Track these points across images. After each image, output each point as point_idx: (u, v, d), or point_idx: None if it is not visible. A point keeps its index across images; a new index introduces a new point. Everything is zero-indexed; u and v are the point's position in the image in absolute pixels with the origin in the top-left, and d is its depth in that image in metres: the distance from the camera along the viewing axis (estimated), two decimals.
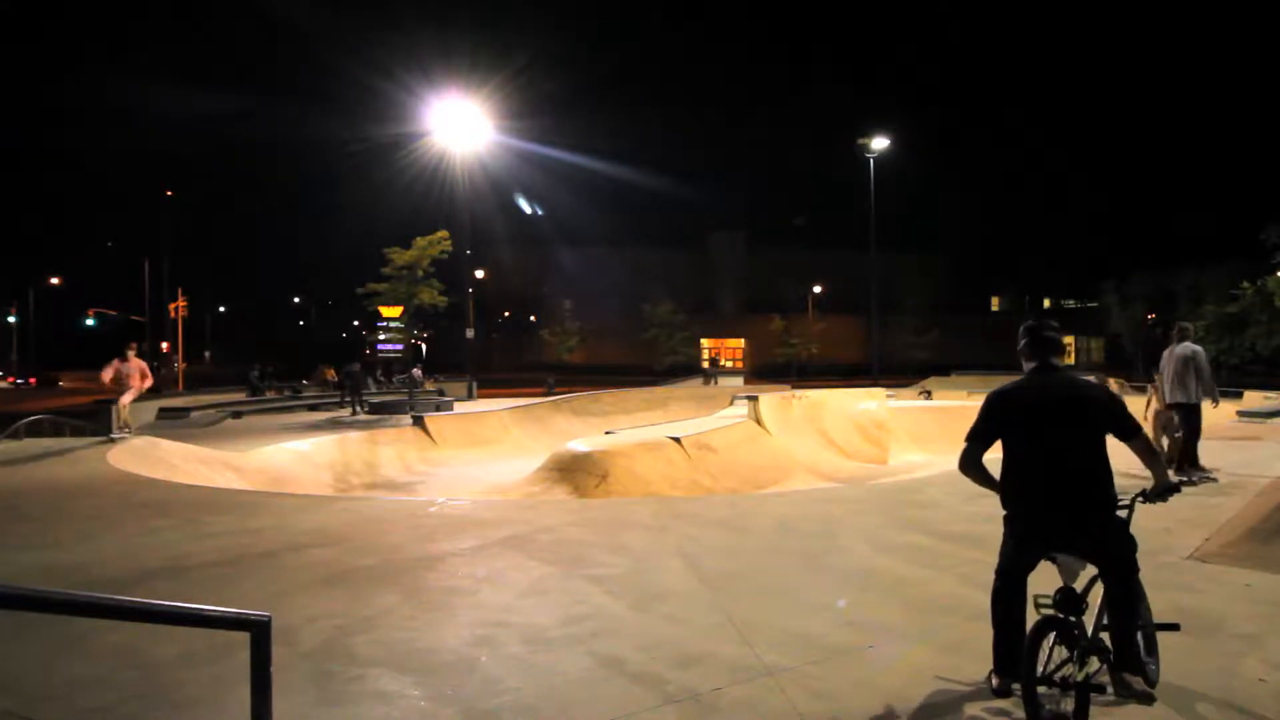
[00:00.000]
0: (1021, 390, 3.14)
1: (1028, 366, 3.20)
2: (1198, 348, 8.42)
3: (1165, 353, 8.63)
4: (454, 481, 13.79)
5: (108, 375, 12.87)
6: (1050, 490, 2.97)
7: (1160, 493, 3.11)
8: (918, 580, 5.03)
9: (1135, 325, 48.00)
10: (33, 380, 60.24)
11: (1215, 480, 8.10)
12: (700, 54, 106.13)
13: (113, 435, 12.69)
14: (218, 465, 11.97)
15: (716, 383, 35.89)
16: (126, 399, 12.90)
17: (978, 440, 3.13)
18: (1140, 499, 3.15)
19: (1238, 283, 30.95)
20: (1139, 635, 3.03)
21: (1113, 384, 10.19)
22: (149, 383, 13.54)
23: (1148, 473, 3.18)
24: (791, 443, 16.09)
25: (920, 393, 28.31)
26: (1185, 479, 8.00)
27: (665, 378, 42.32)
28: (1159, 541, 5.72)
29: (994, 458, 3.15)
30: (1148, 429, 8.94)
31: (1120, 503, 3.09)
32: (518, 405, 21.39)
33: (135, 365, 13.13)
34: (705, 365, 56.50)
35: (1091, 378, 10.14)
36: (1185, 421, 8.32)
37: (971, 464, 3.13)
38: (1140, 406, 10.24)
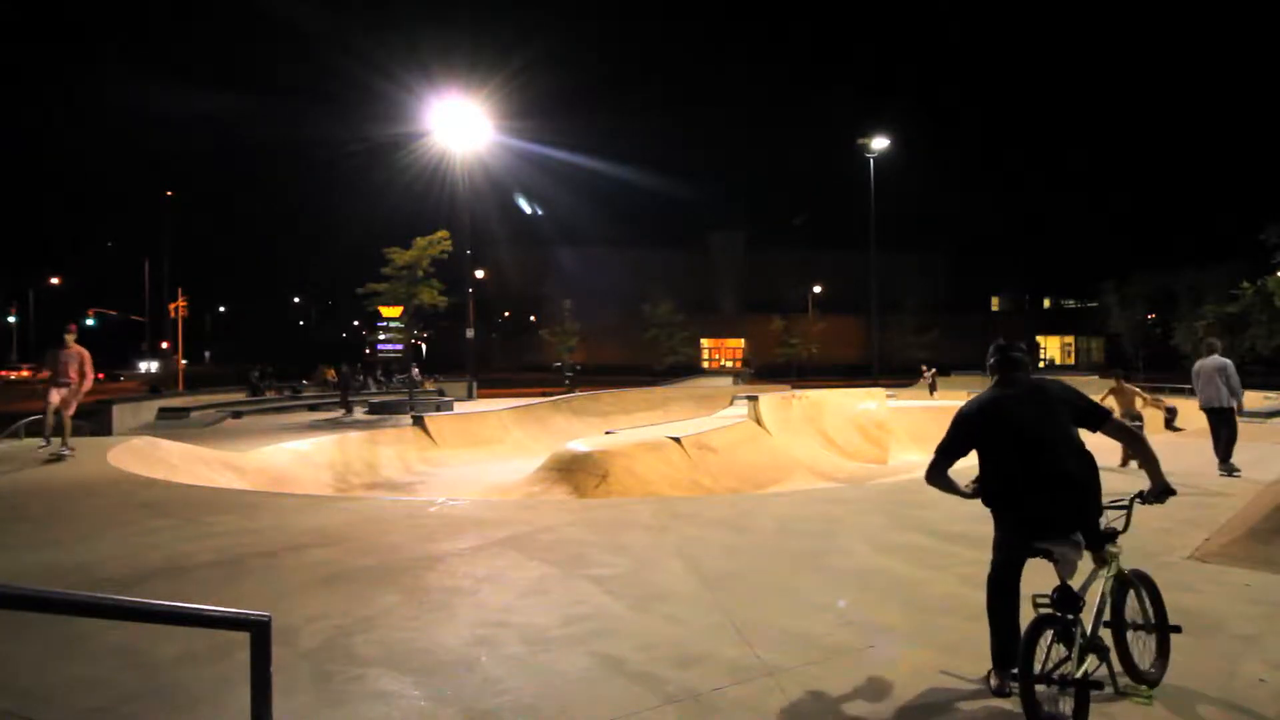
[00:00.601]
0: (995, 400, 3.24)
1: (995, 379, 3.36)
2: (1227, 360, 9.45)
3: (1197, 365, 9.61)
4: (454, 481, 13.79)
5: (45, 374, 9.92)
6: (1041, 486, 3.01)
7: (1158, 494, 3.14)
8: (918, 580, 5.04)
9: (1135, 325, 47.94)
10: (99, 375, 59.82)
11: (1239, 476, 8.90)
12: (700, 54, 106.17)
13: (62, 451, 10.09)
14: (218, 465, 11.97)
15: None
16: (70, 410, 10.07)
17: (950, 455, 3.26)
18: (1138, 500, 3.17)
19: (1238, 283, 30.91)
20: (1151, 637, 3.34)
21: (1141, 398, 10.77)
22: (89, 383, 10.27)
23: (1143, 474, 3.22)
24: (791, 443, 16.10)
25: (927, 371, 28.34)
26: (1226, 472, 9.05)
27: (665, 378, 42.29)
28: (1159, 541, 5.72)
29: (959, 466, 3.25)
30: None
31: (1119, 503, 3.12)
32: (518, 405, 21.40)
33: (75, 354, 9.89)
34: (739, 366, 56.99)
35: (1165, 401, 10.74)
36: (1224, 424, 9.31)
37: (939, 476, 3.27)
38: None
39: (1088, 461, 3.04)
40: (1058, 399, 3.16)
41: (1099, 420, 3.17)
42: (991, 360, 3.38)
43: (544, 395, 26.75)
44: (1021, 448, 3.06)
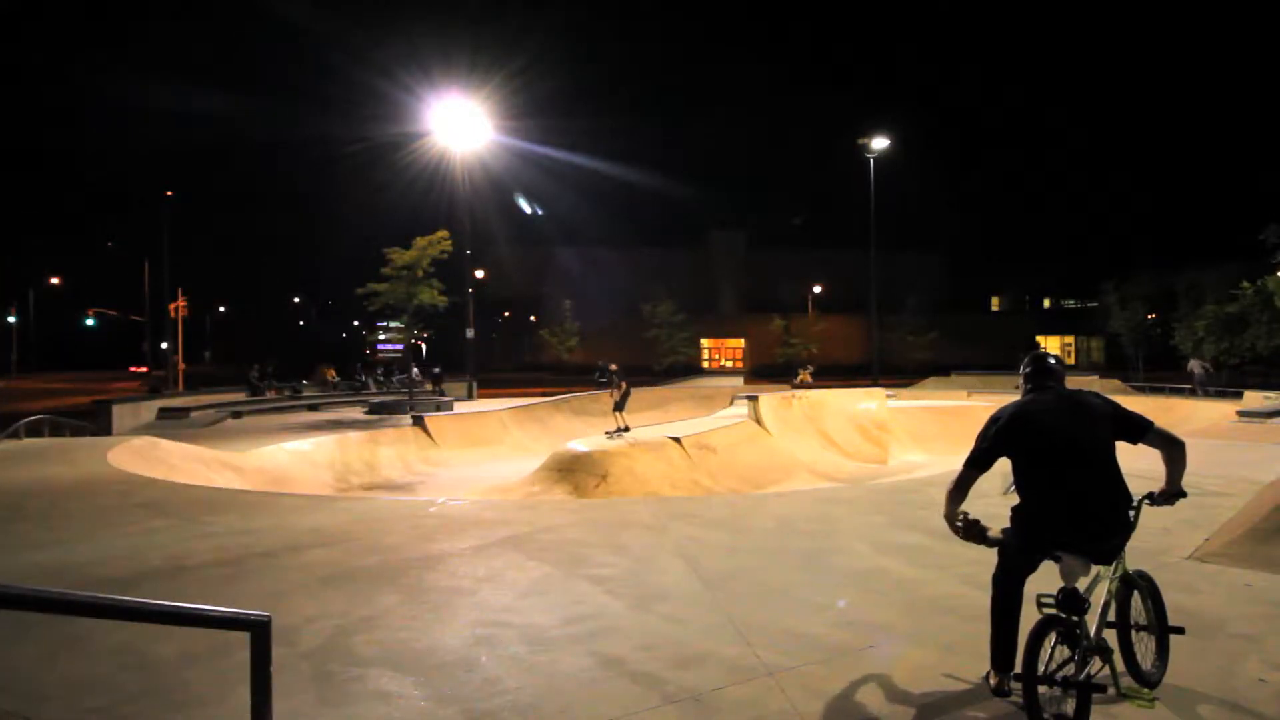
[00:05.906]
0: (1033, 407, 3.16)
1: (1028, 387, 3.27)
2: None
3: None
4: (454, 481, 13.80)
5: None
6: (1072, 504, 2.97)
7: (1169, 497, 3.13)
8: (918, 580, 5.03)
9: (1135, 325, 47.91)
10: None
11: None
12: (700, 53, 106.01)
13: None
14: (218, 465, 11.98)
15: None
16: None
17: (980, 466, 3.13)
18: (1147, 501, 3.16)
19: (1238, 283, 30.88)
20: (1152, 638, 3.34)
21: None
22: None
23: (1141, 473, 3.21)
24: (791, 443, 16.10)
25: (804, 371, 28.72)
26: None
27: (665, 378, 42.27)
28: (1159, 541, 5.72)
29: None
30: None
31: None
32: (518, 405, 21.41)
33: None
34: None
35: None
36: None
37: (963, 489, 3.12)
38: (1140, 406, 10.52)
39: (1122, 494, 3.00)
40: (1097, 408, 3.10)
41: (1141, 431, 3.09)
42: (1027, 369, 3.32)
43: (545, 395, 26.73)
44: (1058, 456, 2.99)
